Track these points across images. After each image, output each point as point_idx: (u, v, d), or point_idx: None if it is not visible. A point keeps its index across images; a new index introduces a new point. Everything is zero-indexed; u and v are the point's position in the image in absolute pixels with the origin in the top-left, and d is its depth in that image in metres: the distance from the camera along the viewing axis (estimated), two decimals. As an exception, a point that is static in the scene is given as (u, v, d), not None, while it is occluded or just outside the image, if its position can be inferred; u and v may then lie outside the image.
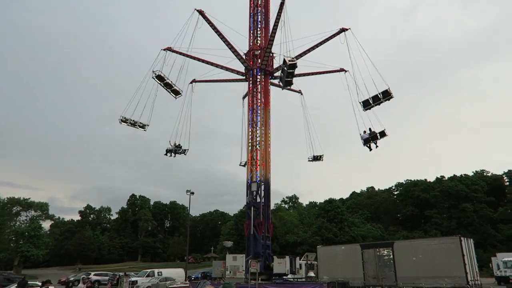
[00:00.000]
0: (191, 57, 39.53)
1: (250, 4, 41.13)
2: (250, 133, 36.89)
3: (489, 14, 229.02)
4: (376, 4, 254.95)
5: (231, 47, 38.80)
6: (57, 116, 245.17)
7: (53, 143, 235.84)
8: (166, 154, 39.33)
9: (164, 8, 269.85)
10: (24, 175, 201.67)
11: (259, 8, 40.60)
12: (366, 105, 33.47)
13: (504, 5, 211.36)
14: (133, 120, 36.93)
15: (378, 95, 32.74)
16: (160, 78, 35.84)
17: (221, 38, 39.23)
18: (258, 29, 40.02)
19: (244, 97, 44.88)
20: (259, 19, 40.34)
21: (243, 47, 39.85)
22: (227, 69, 39.84)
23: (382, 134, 34.43)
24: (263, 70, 38.35)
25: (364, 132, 35.12)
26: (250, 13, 41.18)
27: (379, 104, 33.27)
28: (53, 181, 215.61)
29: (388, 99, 33.03)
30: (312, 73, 40.77)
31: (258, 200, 33.61)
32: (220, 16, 40.13)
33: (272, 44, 36.21)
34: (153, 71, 35.71)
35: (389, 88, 32.54)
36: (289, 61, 30.04)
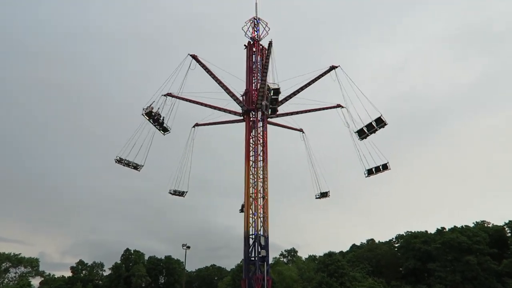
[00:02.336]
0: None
1: (247, 52, 43.07)
2: (249, 181, 36.86)
3: (477, 68, 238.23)
4: (371, 60, 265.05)
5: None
6: (50, 169, 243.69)
7: (45, 196, 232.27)
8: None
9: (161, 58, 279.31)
10: (16, 230, 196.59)
11: (255, 56, 42.73)
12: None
13: (490, 60, 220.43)
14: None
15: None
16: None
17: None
18: (254, 73, 41.69)
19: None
20: (254, 64, 42.29)
21: (240, 90, 41.19)
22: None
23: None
24: (259, 110, 39.26)
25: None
26: (247, 58, 43.02)
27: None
28: (44, 236, 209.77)
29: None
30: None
31: (264, 254, 33.14)
32: (213, 61, 41.40)
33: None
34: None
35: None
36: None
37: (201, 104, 40.76)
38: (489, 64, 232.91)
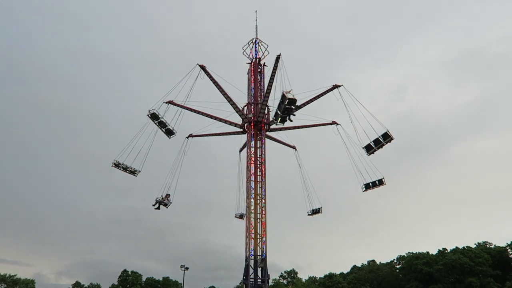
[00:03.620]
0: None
1: (251, 65, 43.95)
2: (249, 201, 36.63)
3: (476, 91, 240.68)
4: (369, 83, 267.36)
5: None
6: (46, 189, 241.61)
7: (42, 216, 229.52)
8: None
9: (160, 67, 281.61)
10: (12, 250, 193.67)
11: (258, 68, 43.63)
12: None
13: (488, 83, 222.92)
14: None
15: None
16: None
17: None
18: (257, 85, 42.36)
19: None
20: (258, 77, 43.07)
21: (240, 101, 41.46)
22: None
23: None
24: (260, 122, 39.47)
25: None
26: (249, 73, 43.76)
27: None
28: (41, 256, 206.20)
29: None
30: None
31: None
32: (219, 72, 41.78)
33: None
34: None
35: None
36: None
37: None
38: (486, 87, 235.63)
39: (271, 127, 40.87)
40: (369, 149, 35.22)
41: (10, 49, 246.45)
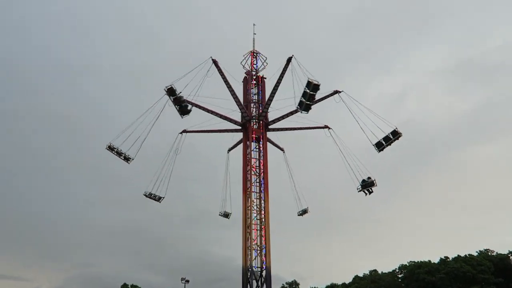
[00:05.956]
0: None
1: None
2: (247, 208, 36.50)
3: (475, 98, 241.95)
4: (368, 91, 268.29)
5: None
6: (44, 201, 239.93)
7: (40, 229, 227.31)
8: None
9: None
10: (11, 265, 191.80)
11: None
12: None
13: (488, 90, 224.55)
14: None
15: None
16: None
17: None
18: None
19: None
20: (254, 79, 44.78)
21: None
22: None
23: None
24: (261, 121, 41.04)
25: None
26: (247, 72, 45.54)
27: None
28: (40, 270, 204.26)
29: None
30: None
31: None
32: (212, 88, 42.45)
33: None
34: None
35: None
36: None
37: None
38: (486, 94, 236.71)
39: (270, 126, 42.04)
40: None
41: (22, 62, 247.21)
